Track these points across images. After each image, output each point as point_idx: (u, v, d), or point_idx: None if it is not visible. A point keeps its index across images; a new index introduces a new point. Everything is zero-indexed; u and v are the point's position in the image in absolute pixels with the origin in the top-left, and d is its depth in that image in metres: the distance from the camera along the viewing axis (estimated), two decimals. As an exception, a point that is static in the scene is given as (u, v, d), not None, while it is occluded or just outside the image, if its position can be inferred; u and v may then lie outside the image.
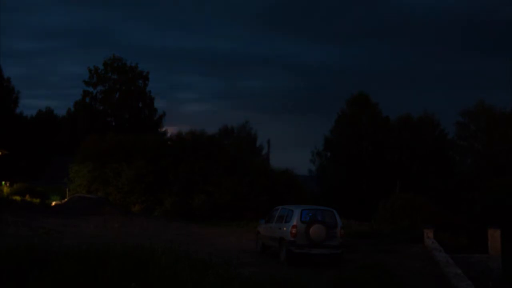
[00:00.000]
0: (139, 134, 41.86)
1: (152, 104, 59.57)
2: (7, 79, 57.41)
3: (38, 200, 34.95)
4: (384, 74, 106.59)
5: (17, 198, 33.69)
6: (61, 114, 67.93)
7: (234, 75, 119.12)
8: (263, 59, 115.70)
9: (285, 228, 16.49)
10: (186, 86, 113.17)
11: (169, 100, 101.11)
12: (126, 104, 57.62)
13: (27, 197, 35.58)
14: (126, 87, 57.78)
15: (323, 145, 58.49)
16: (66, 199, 35.12)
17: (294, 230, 16.07)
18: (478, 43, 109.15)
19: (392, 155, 55.59)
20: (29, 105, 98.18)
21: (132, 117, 57.92)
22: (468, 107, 56.99)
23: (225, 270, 10.82)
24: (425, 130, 55.62)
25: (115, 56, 58.39)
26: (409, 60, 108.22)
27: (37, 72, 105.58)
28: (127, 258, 10.59)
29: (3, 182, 39.17)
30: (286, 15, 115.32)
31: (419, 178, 50.81)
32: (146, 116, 58.98)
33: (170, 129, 59.35)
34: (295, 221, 16.22)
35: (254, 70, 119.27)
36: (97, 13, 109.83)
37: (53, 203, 34.41)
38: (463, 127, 57.12)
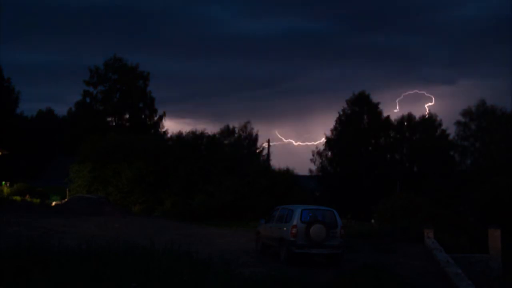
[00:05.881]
0: (139, 134, 41.86)
1: (153, 104, 59.52)
2: (7, 79, 57.38)
3: (38, 200, 34.92)
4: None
5: (17, 198, 33.70)
6: (61, 114, 68.12)
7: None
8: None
9: (285, 228, 16.48)
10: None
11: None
12: (126, 104, 57.58)
13: (27, 197, 35.59)
14: (127, 87, 57.74)
15: (323, 145, 58.51)
16: (66, 199, 35.09)
17: (294, 230, 16.06)
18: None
19: (393, 155, 55.61)
20: None
21: (132, 117, 57.89)
22: (468, 107, 57.03)
23: (225, 270, 10.83)
24: (426, 130, 55.63)
25: (115, 56, 58.48)
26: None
27: None
28: (127, 258, 10.60)
29: (3, 182, 39.10)
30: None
31: (419, 178, 50.79)
32: (146, 116, 58.98)
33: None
34: (295, 221, 16.20)
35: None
36: None
37: (53, 203, 34.37)
38: (464, 127, 57.08)
